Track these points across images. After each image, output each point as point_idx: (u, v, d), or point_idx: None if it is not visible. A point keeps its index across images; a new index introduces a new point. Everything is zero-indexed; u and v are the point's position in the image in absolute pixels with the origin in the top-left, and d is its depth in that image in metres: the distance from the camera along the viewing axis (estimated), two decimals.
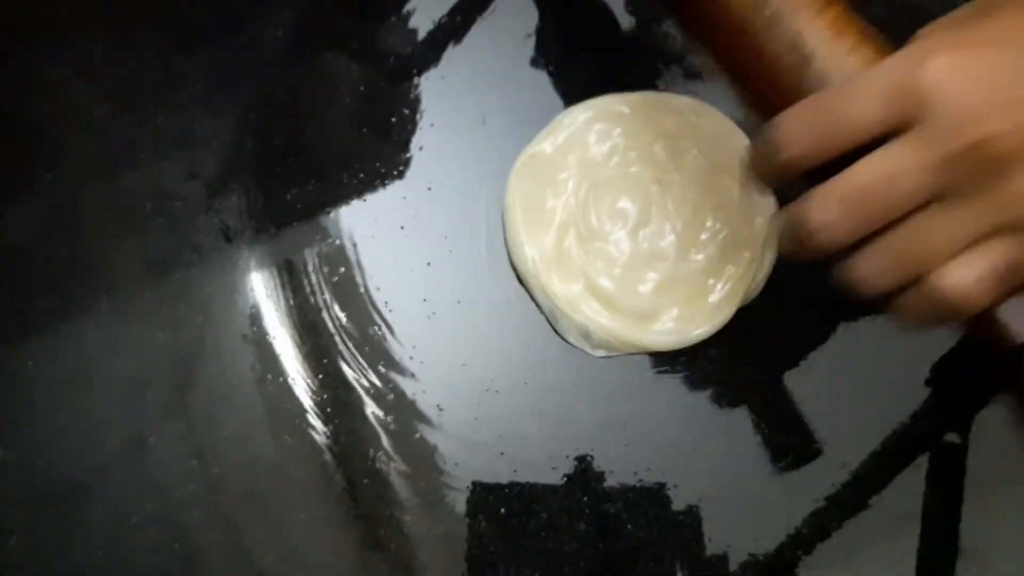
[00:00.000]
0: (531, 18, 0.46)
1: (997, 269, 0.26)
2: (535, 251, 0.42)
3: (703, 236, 0.42)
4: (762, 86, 0.30)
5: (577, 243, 0.42)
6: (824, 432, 0.41)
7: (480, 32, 0.45)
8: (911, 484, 0.40)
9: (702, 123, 0.44)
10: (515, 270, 0.42)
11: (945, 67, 0.24)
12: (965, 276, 0.26)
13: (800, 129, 0.26)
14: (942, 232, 0.25)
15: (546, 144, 0.43)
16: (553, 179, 0.43)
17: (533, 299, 0.42)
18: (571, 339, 0.42)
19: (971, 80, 0.24)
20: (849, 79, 0.26)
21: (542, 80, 0.45)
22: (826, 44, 0.29)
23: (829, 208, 0.26)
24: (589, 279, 0.42)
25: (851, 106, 0.26)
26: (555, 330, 0.42)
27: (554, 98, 0.44)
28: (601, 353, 0.42)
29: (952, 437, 0.40)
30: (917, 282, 0.26)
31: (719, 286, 0.42)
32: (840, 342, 0.42)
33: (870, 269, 0.26)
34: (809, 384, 0.41)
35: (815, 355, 0.42)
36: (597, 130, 0.43)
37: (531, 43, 0.46)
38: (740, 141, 0.43)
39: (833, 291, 0.29)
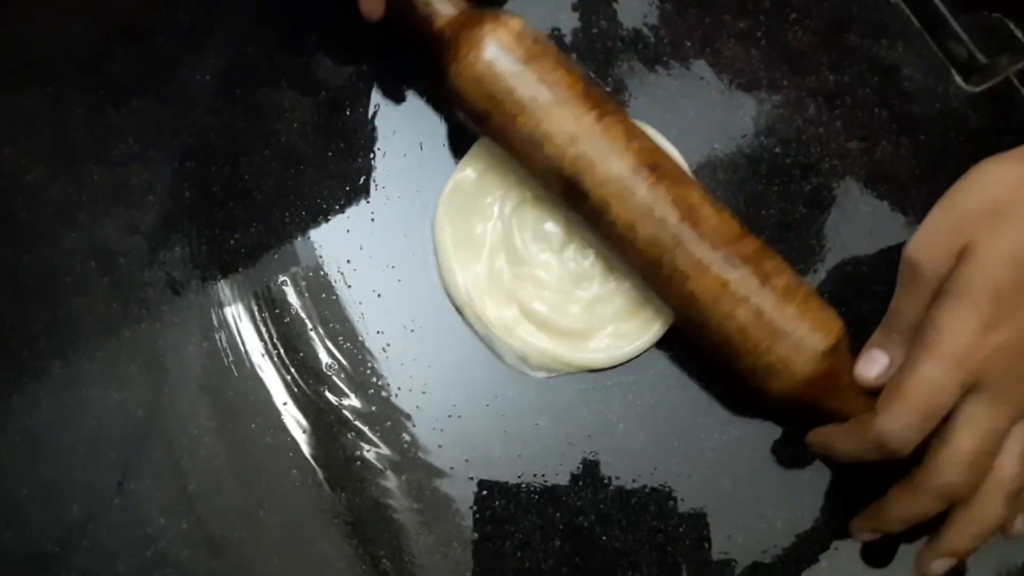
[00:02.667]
0: None
1: None
2: (467, 279, 0.41)
3: None
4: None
5: (508, 267, 0.42)
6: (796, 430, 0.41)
7: (411, 56, 0.45)
8: None
9: None
10: (450, 298, 0.42)
11: (996, 358, 0.34)
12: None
13: (910, 434, 0.34)
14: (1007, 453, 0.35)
15: (469, 170, 0.43)
16: (479, 204, 0.42)
17: (469, 326, 0.42)
18: (510, 362, 0.41)
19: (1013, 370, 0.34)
20: (924, 374, 0.34)
21: None
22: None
23: (955, 472, 0.35)
24: (522, 304, 0.41)
25: (940, 398, 0.34)
26: (495, 354, 0.42)
27: None
28: (542, 375, 0.41)
29: None
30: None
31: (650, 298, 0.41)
32: None
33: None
34: None
35: None
36: None
37: None
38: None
39: None
